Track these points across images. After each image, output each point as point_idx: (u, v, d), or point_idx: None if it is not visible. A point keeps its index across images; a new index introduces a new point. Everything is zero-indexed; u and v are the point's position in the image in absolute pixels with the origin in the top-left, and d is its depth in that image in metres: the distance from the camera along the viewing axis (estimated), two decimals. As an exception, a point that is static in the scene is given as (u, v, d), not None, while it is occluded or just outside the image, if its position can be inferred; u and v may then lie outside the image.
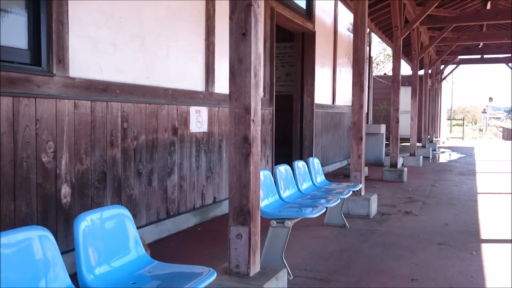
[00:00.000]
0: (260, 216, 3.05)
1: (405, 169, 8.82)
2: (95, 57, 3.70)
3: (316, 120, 8.98)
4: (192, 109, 4.91)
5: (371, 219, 5.59)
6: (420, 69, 16.52)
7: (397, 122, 8.68)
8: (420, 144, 14.97)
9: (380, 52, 30.84)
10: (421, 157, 11.73)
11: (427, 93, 14.85)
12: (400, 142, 17.96)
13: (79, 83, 3.52)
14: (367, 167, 9.54)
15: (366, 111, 13.47)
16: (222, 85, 5.56)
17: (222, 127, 5.53)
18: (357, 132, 5.77)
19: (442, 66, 20.36)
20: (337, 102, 10.51)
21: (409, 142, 11.79)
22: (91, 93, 3.63)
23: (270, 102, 6.85)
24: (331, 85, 10.16)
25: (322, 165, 9.54)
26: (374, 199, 5.81)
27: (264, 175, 4.03)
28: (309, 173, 5.04)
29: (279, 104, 9.81)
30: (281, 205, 4.11)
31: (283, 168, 4.56)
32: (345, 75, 11.30)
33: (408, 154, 11.79)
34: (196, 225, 5.10)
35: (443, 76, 21.39)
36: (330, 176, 9.25)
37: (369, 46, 13.56)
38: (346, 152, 11.33)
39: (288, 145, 9.04)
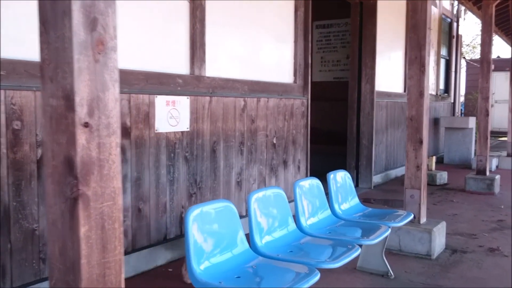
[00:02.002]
0: None
1: (497, 176, 6.70)
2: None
3: (378, 112, 7.12)
4: (160, 100, 3.42)
5: (433, 261, 3.78)
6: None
7: (487, 114, 6.58)
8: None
9: (478, 34, 27.31)
10: (522, 158, 9.33)
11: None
12: (499, 137, 15.21)
13: None
14: (445, 172, 7.51)
15: (453, 101, 11.20)
16: (219, 66, 4.03)
17: (218, 123, 4.00)
18: (415, 132, 3.95)
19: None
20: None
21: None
22: None
23: (303, 90, 5.18)
24: (403, 69, 8.18)
25: (388, 169, 7.65)
26: (439, 230, 3.98)
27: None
28: (330, 195, 3.35)
29: (335, 93, 8.08)
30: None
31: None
32: (423, 56, 9.19)
33: (505, 154, 9.45)
34: (170, 262, 3.64)
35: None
36: (397, 183, 7.34)
37: (457, 21, 11.21)
38: (423, 151, 9.26)
39: (344, 143, 7.29)
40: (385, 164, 7.48)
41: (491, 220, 5.13)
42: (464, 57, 20.71)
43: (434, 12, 9.67)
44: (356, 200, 3.53)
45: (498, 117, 18.63)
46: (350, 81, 7.09)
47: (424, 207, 4.03)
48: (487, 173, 6.70)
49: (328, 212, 3.20)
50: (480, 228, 4.80)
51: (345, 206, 3.32)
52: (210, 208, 2.38)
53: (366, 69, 6.89)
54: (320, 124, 9.04)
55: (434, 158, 7.46)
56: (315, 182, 3.20)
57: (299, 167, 5.16)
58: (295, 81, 5.07)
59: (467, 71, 19.38)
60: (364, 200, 6.13)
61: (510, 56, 13.48)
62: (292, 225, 2.84)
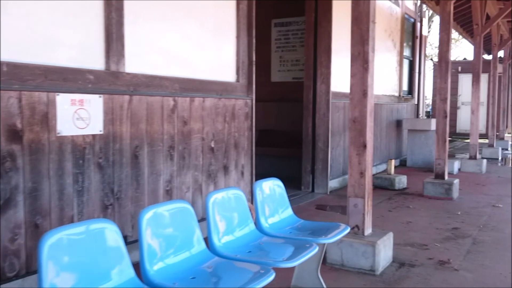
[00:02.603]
0: None
1: (456, 181, 6.44)
2: None
3: (335, 113, 6.80)
4: (62, 98, 2.98)
5: (376, 277, 3.44)
6: (489, 52, 13.72)
7: (445, 116, 6.32)
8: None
9: (446, 36, 27.46)
10: (485, 160, 9.16)
11: (495, 80, 12.06)
12: (466, 139, 15.11)
13: None
14: (405, 176, 7.24)
15: (417, 103, 11.00)
16: (143, 62, 3.61)
17: (141, 126, 3.57)
18: (358, 135, 3.61)
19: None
20: (376, 91, 8.20)
21: (484, 137, 9.23)
22: None
23: (247, 89, 4.80)
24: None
25: (345, 173, 7.31)
26: (385, 243, 3.64)
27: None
28: (256, 208, 2.95)
29: (295, 94, 7.76)
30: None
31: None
32: (385, 57, 8.95)
33: (468, 157, 9.27)
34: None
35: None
36: (354, 188, 7.03)
37: (421, 22, 11.02)
38: (384, 154, 9.00)
39: (301, 145, 6.95)
40: (343, 168, 7.17)
41: (446, 228, 4.84)
42: (431, 59, 20.72)
43: (396, 11, 9.45)
44: (289, 212, 3.15)
45: (465, 119, 18.66)
46: (305, 81, 6.75)
47: (369, 217, 3.69)
48: (446, 177, 6.45)
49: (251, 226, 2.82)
50: (433, 238, 4.49)
51: (273, 219, 2.94)
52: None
53: (321, 69, 6.56)
54: (280, 126, 8.70)
55: (393, 161, 7.19)
56: (235, 193, 2.82)
57: (242, 173, 4.77)
58: (237, 80, 4.69)
59: (434, 72, 19.36)
60: (318, 207, 5.79)
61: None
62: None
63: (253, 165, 4.91)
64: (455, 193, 6.35)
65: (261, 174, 8.11)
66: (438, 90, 6.42)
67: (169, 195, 3.86)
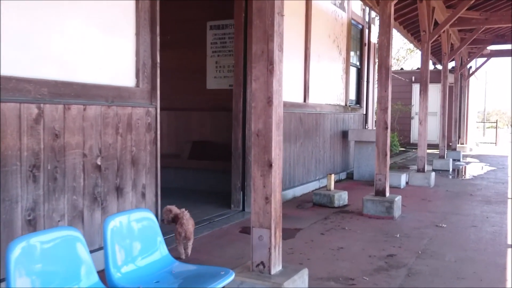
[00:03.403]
0: None
1: (398, 198, 5.90)
2: None
3: (268, 124, 6.16)
4: None
5: (281, 329, 2.77)
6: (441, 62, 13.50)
7: (386, 127, 5.78)
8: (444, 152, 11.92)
9: (401, 47, 27.59)
10: (433, 174, 8.72)
11: (445, 90, 11.77)
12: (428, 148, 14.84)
13: None
14: (345, 192, 6.66)
15: (365, 113, 10.55)
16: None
17: (-15, 141, 2.81)
18: (262, 152, 2.95)
19: (471, 63, 17.19)
20: (313, 100, 7.64)
21: (438, 148, 8.75)
22: None
23: (150, 96, 4.09)
24: (302, 76, 7.32)
25: (287, 187, 6.69)
26: (296, 283, 2.97)
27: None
28: (105, 252, 2.23)
29: (230, 102, 7.09)
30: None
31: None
32: (329, 64, 8.42)
33: (416, 170, 8.82)
34: None
35: (471, 72, 18.10)
36: (291, 205, 6.40)
37: (369, 28, 10.60)
38: (328, 167, 8.44)
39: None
40: (285, 182, 6.52)
41: (380, 255, 4.24)
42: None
43: (342, 16, 8.96)
44: (159, 254, 2.45)
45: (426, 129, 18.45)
46: (234, 88, 6.10)
47: (277, 252, 3.03)
48: (387, 193, 5.90)
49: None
50: (363, 268, 3.88)
51: (130, 267, 2.23)
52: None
53: (252, 75, 5.91)
54: (215, 137, 8.01)
55: (332, 176, 6.60)
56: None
57: (143, 194, 4.04)
58: (137, 84, 3.97)
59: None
60: (243, 230, 5.11)
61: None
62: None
63: (158, 184, 4.19)
64: (397, 212, 5.80)
65: (192, 190, 7.42)
66: (378, 99, 5.88)
67: (32, 226, 3.09)
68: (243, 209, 6.04)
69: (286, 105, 6.61)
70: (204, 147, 7.88)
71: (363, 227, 5.30)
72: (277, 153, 2.97)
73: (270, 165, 2.93)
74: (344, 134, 9.18)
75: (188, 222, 3.90)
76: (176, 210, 3.94)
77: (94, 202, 3.55)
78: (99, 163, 3.57)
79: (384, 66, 5.79)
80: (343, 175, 9.22)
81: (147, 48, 4.03)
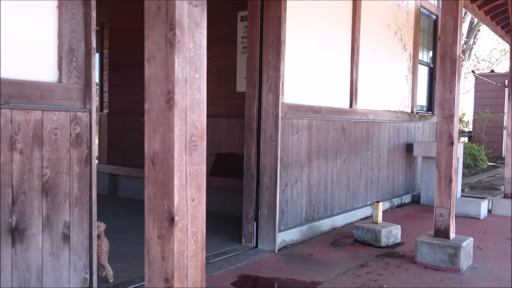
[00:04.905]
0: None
1: (468, 242, 4.20)
2: None
3: (291, 135, 4.74)
4: None
5: None
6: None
7: (451, 143, 4.13)
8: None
9: (495, 47, 24.57)
10: (526, 201, 6.75)
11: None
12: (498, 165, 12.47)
13: None
14: (397, 227, 5.05)
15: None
16: None
17: None
18: (159, 195, 1.57)
19: None
20: (363, 105, 6.08)
21: None
22: None
23: (82, 95, 2.86)
24: (348, 75, 5.80)
25: (313, 219, 5.15)
26: None
27: None
28: None
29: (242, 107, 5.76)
30: None
31: None
32: (388, 60, 6.80)
33: (501, 195, 6.89)
34: None
35: None
36: (324, 242, 4.90)
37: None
38: (383, 189, 6.79)
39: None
40: (308, 212, 5.07)
41: None
42: (473, 71, 18.09)
43: (407, 3, 7.29)
44: None
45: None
46: (247, 89, 4.75)
47: None
48: (452, 234, 4.23)
49: None
50: None
51: None
52: None
53: (269, 70, 4.55)
54: (240, 149, 6.72)
55: (380, 205, 5.02)
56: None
57: (66, 236, 2.81)
58: (59, 79, 2.77)
59: (476, 87, 16.74)
60: (238, 282, 3.74)
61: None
62: None
63: (93, 221, 2.94)
64: (465, 261, 4.11)
65: (212, 213, 6.15)
66: (439, 103, 4.24)
67: None
68: (256, 245, 4.66)
69: (322, 111, 5.15)
70: (230, 161, 6.60)
71: (412, 284, 3.70)
72: (189, 196, 1.59)
73: (172, 220, 1.56)
74: (409, 148, 7.46)
75: (102, 241, 3.29)
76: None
77: (-36, 253, 2.38)
78: (-25, 194, 2.40)
79: (448, 57, 4.16)
80: (406, 198, 7.49)
81: (75, 27, 2.82)
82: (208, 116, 5.86)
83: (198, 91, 1.61)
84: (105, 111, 7.71)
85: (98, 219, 3.07)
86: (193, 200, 1.61)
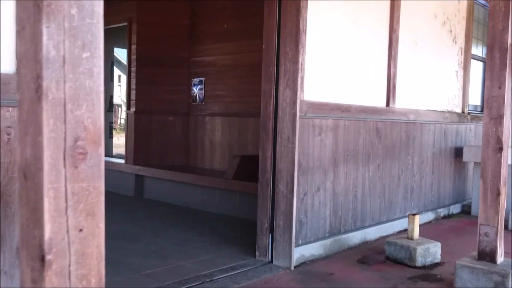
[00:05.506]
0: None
1: (519, 268, 3.50)
2: None
3: (312, 137, 4.19)
4: None
5: None
6: None
7: (499, 149, 3.44)
8: None
9: None
10: None
11: None
12: None
13: None
14: (437, 244, 4.39)
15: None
16: None
17: None
18: (32, 221, 1.13)
19: None
20: (402, 103, 5.42)
21: None
22: None
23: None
24: (385, 70, 5.17)
25: (339, 232, 4.55)
26: None
27: None
28: None
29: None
30: None
31: None
32: (434, 54, 6.08)
33: None
34: None
35: None
36: (351, 258, 4.32)
37: (504, 9, 7.81)
38: (427, 198, 6.07)
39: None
40: (333, 223, 4.49)
41: None
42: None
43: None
44: None
45: None
46: (263, 84, 4.24)
47: None
48: (499, 258, 3.54)
49: None
50: None
51: None
52: None
53: (286, 64, 4.02)
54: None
55: (416, 218, 4.36)
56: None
57: None
58: None
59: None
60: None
61: None
62: None
63: None
64: (515, 293, 3.42)
65: (234, 219, 5.74)
66: (486, 101, 3.56)
67: None
68: (271, 260, 4.15)
69: (351, 109, 4.57)
70: (255, 164, 6.12)
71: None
72: (72, 225, 1.12)
73: (43, 259, 1.09)
74: (458, 152, 6.68)
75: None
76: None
77: None
78: None
79: (498, 45, 3.47)
80: (455, 208, 6.72)
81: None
82: (234, 115, 5.41)
83: (89, 77, 1.13)
84: (132, 109, 7.43)
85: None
86: (80, 230, 1.14)
